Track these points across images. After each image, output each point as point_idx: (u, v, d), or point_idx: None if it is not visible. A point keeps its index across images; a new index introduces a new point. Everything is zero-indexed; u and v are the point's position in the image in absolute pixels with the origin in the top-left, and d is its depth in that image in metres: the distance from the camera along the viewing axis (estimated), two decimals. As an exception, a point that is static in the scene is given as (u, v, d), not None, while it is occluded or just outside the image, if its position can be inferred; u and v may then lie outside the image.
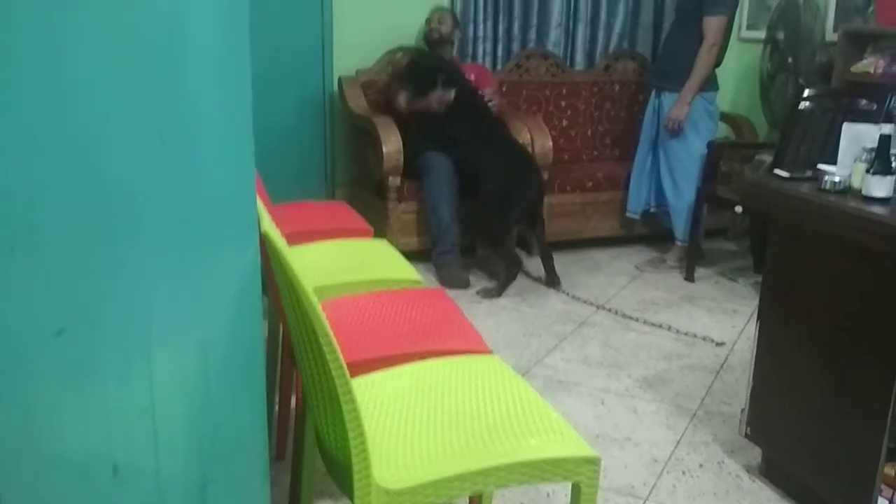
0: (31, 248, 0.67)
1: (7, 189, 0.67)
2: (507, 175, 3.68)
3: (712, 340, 3.19)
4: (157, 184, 0.84)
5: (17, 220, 0.67)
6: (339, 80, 4.31)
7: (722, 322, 3.41)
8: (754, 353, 2.17)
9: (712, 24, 3.74)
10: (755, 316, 2.21)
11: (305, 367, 1.45)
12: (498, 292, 3.62)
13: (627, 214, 4.28)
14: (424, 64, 4.07)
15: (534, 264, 3.95)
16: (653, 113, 4.07)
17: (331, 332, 1.25)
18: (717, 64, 3.92)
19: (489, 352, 1.83)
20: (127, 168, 0.79)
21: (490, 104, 4.07)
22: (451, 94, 3.87)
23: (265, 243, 1.36)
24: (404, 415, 1.55)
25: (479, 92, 4.07)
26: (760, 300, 2.19)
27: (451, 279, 3.69)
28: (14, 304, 0.69)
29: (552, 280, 3.78)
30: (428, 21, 4.29)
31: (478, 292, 3.62)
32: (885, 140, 1.84)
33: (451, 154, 3.83)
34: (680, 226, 4.02)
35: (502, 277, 3.67)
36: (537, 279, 3.85)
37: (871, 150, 1.87)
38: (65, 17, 0.73)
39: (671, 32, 4.17)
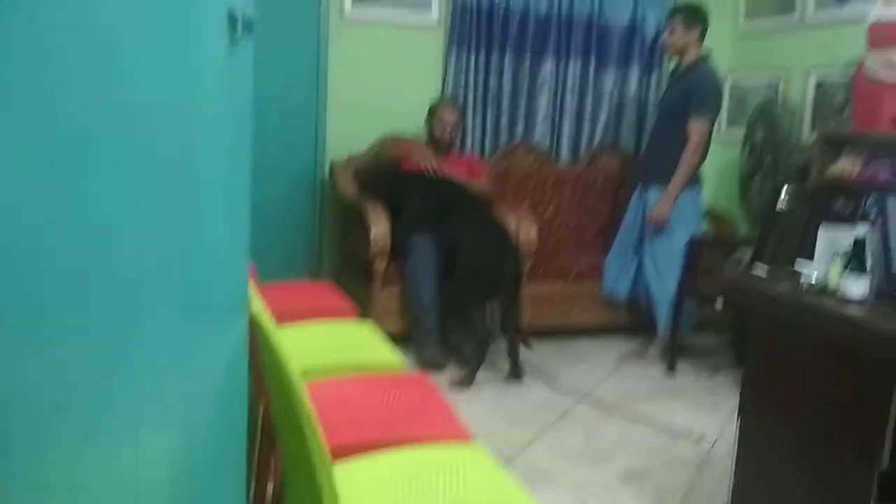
0: (39, 327, 0.69)
1: (20, 274, 0.69)
2: (483, 249, 3.70)
3: (694, 435, 3.19)
4: (157, 270, 0.87)
5: (27, 304, 0.70)
6: (331, 164, 4.40)
7: (703, 417, 3.41)
8: (735, 449, 2.17)
9: (697, 127, 3.85)
10: (736, 411, 2.22)
11: (286, 449, 1.44)
12: (469, 380, 3.55)
13: (610, 296, 4.27)
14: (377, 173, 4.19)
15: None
16: (638, 206, 4.14)
17: (314, 416, 1.25)
18: (702, 161, 4.03)
19: (470, 440, 1.83)
20: (131, 256, 0.82)
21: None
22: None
23: (253, 324, 1.38)
24: (384, 502, 1.53)
25: (457, 182, 4.15)
26: (741, 395, 2.21)
27: (428, 361, 3.71)
28: (18, 379, 0.70)
29: (515, 371, 3.69)
30: (438, 118, 4.25)
31: (451, 384, 3.53)
32: (859, 243, 1.90)
33: (435, 237, 3.86)
34: (662, 319, 4.05)
35: (473, 360, 3.62)
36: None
37: (847, 253, 1.93)
38: (79, 109, 0.77)
39: (656, 129, 4.28)
